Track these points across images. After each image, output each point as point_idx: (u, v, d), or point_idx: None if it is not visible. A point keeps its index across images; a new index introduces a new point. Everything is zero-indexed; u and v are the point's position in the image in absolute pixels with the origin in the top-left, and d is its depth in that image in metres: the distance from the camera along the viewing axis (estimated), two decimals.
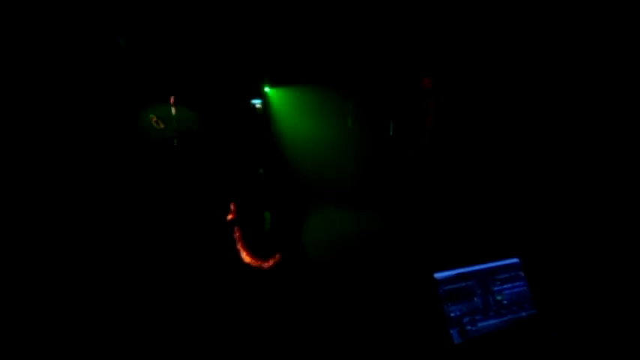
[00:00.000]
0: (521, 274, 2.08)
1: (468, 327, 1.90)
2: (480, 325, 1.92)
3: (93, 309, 3.26)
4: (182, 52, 6.47)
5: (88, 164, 5.23)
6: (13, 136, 4.59)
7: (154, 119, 5.05)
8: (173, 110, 5.11)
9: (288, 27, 6.61)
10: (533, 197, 3.34)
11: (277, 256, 3.76)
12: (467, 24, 4.87)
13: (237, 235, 3.87)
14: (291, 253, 3.96)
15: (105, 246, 4.37)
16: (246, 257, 3.85)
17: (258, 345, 2.14)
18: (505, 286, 2.04)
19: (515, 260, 2.11)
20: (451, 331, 1.87)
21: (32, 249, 4.04)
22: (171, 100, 5.24)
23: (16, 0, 4.65)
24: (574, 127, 3.28)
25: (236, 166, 6.12)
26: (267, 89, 7.16)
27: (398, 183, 5.39)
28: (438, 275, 1.95)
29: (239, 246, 3.77)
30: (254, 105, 7.18)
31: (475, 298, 1.97)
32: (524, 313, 2.00)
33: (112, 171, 5.43)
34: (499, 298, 2.00)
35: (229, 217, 3.87)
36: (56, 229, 4.41)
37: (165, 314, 3.19)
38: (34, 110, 4.87)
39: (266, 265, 3.75)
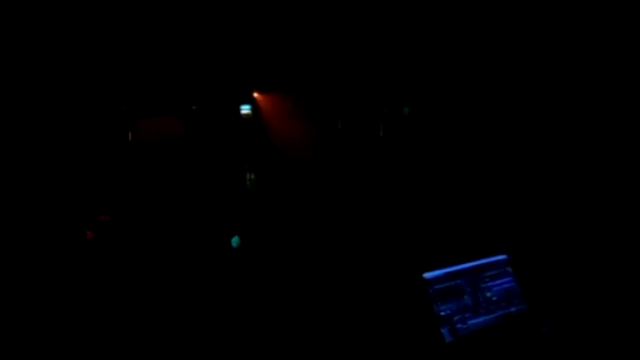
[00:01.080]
0: (509, 269, 2.09)
1: (459, 325, 1.91)
2: (470, 322, 1.93)
3: (93, 309, 3.23)
4: (171, 56, 6.44)
5: (79, 167, 5.19)
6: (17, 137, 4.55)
7: None
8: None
9: (278, 32, 6.61)
10: (520, 192, 3.37)
11: None
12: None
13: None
14: (280, 254, 3.95)
15: (100, 246, 4.34)
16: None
17: (251, 343, 2.14)
18: (494, 283, 2.05)
19: (503, 256, 2.13)
20: (442, 330, 1.88)
21: (34, 249, 4.00)
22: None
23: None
24: (562, 122, 3.31)
25: (225, 171, 6.10)
26: (256, 95, 7.15)
27: (387, 183, 5.41)
28: (427, 275, 1.96)
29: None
30: (243, 110, 7.17)
31: (465, 296, 1.98)
32: (513, 309, 2.01)
33: (103, 173, 5.39)
34: (488, 294, 2.02)
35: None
36: (57, 229, 4.38)
37: (165, 315, 3.17)
38: (34, 111, 4.83)
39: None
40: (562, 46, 3.60)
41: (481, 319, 1.96)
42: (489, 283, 2.05)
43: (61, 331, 2.96)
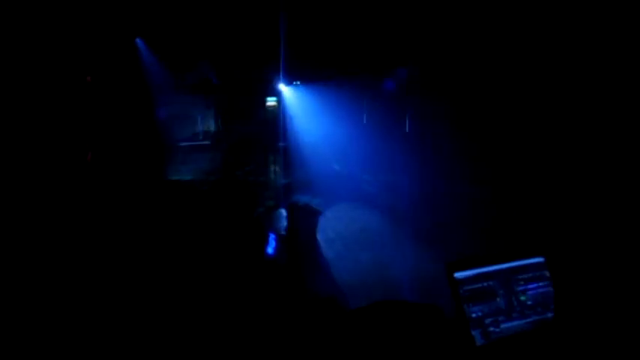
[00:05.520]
0: (547, 273, 1.99)
1: (491, 328, 1.83)
2: (503, 326, 1.85)
3: (97, 309, 3.27)
4: (197, 51, 6.49)
5: (101, 164, 5.28)
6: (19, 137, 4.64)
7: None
8: None
9: (302, 25, 6.57)
10: (558, 191, 3.22)
11: None
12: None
13: None
14: (305, 252, 3.92)
15: (113, 245, 4.39)
16: None
17: (266, 344, 2.11)
18: (529, 286, 1.96)
19: (539, 259, 2.03)
20: (473, 333, 1.80)
21: (36, 250, 4.06)
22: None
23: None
24: (604, 121, 3.15)
25: (249, 163, 6.10)
26: (282, 87, 7.14)
27: (414, 179, 5.31)
28: (457, 275, 1.89)
29: None
30: (269, 103, 7.16)
31: (498, 299, 1.90)
32: (550, 314, 1.92)
33: (124, 169, 5.47)
34: (523, 298, 1.93)
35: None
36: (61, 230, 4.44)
37: (171, 314, 3.18)
38: (38, 112, 4.92)
39: None
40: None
41: (515, 323, 1.87)
42: (524, 287, 1.96)
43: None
